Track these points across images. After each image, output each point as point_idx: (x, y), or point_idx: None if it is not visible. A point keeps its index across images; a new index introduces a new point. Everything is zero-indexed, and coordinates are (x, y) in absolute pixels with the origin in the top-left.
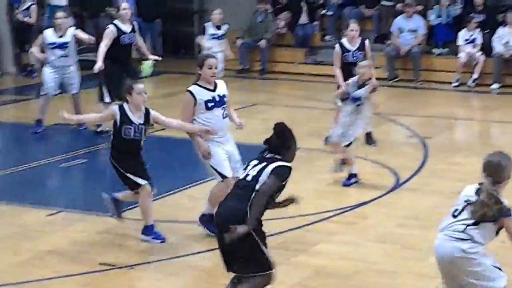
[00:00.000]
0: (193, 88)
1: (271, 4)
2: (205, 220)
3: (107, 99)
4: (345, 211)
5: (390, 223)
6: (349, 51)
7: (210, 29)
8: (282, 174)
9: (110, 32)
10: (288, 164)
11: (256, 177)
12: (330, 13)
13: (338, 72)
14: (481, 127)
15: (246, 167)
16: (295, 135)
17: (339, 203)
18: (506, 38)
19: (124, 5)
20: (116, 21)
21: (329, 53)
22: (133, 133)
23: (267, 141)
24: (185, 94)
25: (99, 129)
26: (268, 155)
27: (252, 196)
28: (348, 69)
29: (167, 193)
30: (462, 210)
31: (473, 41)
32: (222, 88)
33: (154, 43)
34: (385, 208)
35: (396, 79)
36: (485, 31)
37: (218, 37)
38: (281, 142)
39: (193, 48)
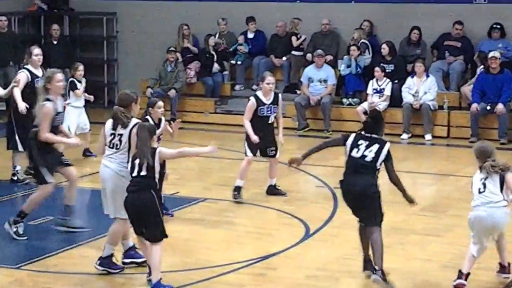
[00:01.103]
0: None
1: (181, 54)
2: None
3: (20, 147)
4: (254, 262)
5: (300, 275)
6: (264, 104)
7: (78, 84)
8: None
9: (23, 76)
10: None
11: (375, 158)
12: (239, 62)
13: (248, 124)
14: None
15: (357, 146)
16: (205, 185)
17: (248, 254)
18: (415, 88)
19: (36, 50)
20: (27, 66)
21: (239, 103)
22: None
23: (365, 124)
24: None
25: (15, 177)
26: (371, 135)
27: (377, 172)
28: (261, 122)
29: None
30: (484, 186)
31: (380, 91)
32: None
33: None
34: (294, 259)
35: (307, 129)
36: (394, 81)
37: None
38: (377, 124)
39: (103, 97)
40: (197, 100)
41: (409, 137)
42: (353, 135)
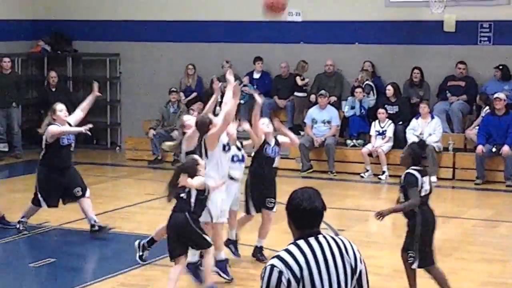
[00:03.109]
0: None
1: (183, 93)
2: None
3: (43, 204)
4: None
5: None
6: (269, 144)
7: None
8: None
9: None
10: None
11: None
12: (242, 102)
13: None
14: (395, 219)
15: (423, 185)
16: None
17: None
18: (420, 130)
19: (59, 106)
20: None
21: None
22: None
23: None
24: None
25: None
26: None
27: None
28: (268, 163)
29: None
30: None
31: (383, 133)
32: None
33: None
34: None
35: (310, 170)
36: (399, 123)
37: None
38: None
39: (105, 139)
40: None
41: None
42: (418, 175)
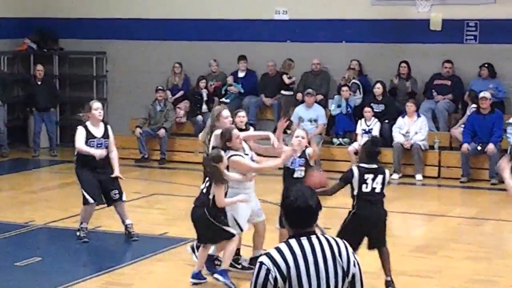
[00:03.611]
0: None
1: (170, 91)
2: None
3: (90, 200)
4: None
5: None
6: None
7: None
8: None
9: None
10: None
11: (382, 188)
12: (227, 100)
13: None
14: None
15: (365, 181)
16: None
17: None
18: (406, 128)
19: (96, 104)
20: (87, 123)
21: None
22: None
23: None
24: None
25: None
26: (374, 166)
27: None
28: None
29: (61, 287)
30: None
31: (369, 131)
32: None
33: (50, 133)
34: None
35: None
36: (385, 121)
37: None
38: (376, 153)
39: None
40: (187, 140)
41: (399, 177)
42: (356, 171)
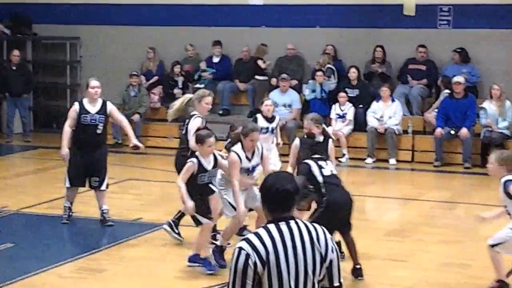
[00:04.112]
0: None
1: (145, 77)
2: (217, 252)
3: (67, 183)
4: None
5: None
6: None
7: None
8: None
9: (72, 109)
10: None
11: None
12: (201, 85)
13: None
14: (357, 202)
15: (322, 167)
16: (168, 210)
17: (213, 281)
18: (380, 113)
19: (93, 82)
20: (84, 99)
21: None
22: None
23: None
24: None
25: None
26: (320, 156)
27: None
28: None
29: (35, 272)
30: None
31: (343, 116)
32: None
33: (23, 118)
34: None
35: None
36: (359, 106)
37: None
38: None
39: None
40: (161, 125)
41: (373, 162)
42: (310, 161)
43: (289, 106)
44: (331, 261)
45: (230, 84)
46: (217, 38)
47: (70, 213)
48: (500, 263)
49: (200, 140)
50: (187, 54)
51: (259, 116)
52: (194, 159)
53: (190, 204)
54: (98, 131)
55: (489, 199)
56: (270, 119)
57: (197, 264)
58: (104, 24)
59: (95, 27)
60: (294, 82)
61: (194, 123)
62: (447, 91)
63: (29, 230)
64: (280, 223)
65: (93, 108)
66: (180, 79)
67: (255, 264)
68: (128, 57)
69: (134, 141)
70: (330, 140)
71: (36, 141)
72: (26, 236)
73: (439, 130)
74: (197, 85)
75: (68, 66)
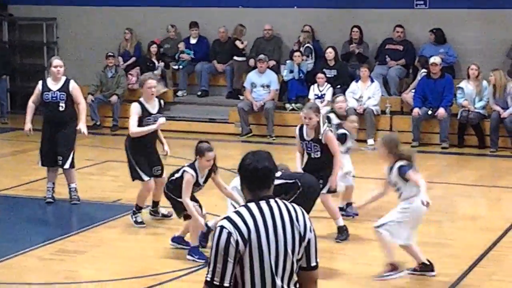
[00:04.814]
0: None
1: (122, 59)
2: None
3: (39, 164)
4: (197, 270)
5: None
6: (305, 140)
7: None
8: None
9: (36, 88)
10: None
11: None
12: (181, 67)
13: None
14: None
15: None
16: None
17: (192, 262)
18: (359, 93)
19: (56, 61)
20: (48, 78)
21: (182, 109)
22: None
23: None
24: None
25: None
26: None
27: None
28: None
29: (14, 254)
30: None
31: (322, 96)
32: None
33: (1, 100)
34: None
35: (250, 135)
36: (337, 86)
37: None
38: None
39: None
40: None
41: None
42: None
43: (267, 86)
44: (309, 241)
45: (208, 65)
46: (195, 19)
47: (53, 194)
48: (387, 245)
49: (199, 152)
50: (169, 35)
51: (332, 115)
52: (192, 171)
53: (201, 221)
54: (61, 108)
55: (466, 178)
56: (344, 118)
57: (181, 246)
58: (81, 5)
59: (72, 8)
60: (272, 62)
61: (131, 109)
62: (424, 71)
63: (8, 212)
64: (260, 201)
65: (55, 86)
66: (160, 65)
67: (237, 242)
68: (105, 38)
69: (80, 125)
70: None
71: (13, 123)
72: (4, 219)
73: (416, 110)
74: (175, 66)
75: (45, 47)
